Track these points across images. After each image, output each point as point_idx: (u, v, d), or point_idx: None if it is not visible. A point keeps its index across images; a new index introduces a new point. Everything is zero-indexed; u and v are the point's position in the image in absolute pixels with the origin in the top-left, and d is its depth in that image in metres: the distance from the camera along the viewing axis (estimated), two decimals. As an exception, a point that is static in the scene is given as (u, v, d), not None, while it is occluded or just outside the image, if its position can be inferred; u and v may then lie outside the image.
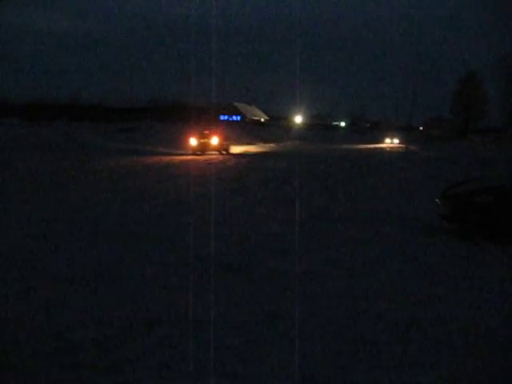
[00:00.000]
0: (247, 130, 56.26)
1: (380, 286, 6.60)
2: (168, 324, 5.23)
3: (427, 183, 17.91)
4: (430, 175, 21.39)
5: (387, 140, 74.56)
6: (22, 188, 14.84)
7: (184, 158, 29.42)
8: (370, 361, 4.54)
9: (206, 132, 34.34)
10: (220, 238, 8.75)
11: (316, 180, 18.79)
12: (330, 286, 6.57)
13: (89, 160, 25.30)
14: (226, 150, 34.45)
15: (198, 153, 32.64)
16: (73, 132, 40.28)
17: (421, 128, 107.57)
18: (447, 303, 6.03)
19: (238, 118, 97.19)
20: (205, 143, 33.37)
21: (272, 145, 46.71)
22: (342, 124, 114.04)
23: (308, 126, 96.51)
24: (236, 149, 37.73)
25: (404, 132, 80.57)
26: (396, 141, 73.60)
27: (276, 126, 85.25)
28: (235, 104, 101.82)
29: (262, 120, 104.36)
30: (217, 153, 33.48)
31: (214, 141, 33.55)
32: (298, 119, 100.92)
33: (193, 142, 33.63)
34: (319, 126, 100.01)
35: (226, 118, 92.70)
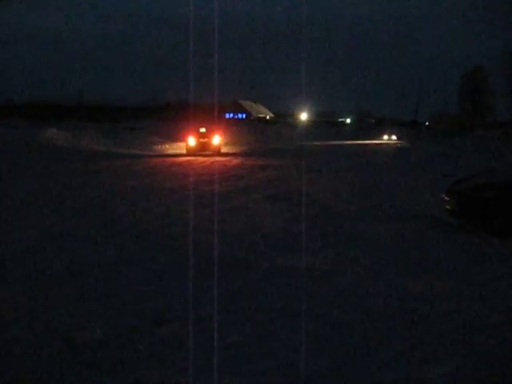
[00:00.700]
0: (252, 128, 56.17)
1: (386, 282, 6.59)
2: (174, 322, 5.23)
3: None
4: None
5: (385, 136, 71.39)
6: None
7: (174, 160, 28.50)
8: (376, 357, 4.52)
9: (206, 130, 30.68)
10: (225, 236, 8.77)
11: (319, 176, 18.75)
12: (337, 283, 6.55)
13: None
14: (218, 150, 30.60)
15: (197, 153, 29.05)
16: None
17: (427, 123, 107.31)
18: (453, 299, 6.01)
19: (243, 115, 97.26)
20: (205, 143, 30.23)
21: (276, 143, 46.66)
22: (348, 121, 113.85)
23: (313, 123, 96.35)
24: (233, 148, 35.38)
25: (408, 128, 79.81)
26: (394, 137, 71.23)
27: (281, 124, 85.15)
28: (240, 102, 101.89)
29: (268, 117, 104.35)
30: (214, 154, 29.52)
31: (216, 140, 30.50)
32: (304, 116, 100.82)
33: (191, 141, 30.30)
34: (325, 123, 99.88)
35: (231, 115, 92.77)
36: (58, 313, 5.42)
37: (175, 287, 6.27)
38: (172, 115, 55.47)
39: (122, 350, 4.60)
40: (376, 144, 52.50)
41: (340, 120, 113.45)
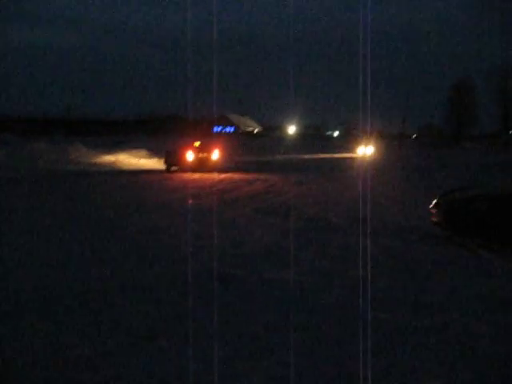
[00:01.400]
0: (239, 142, 56.30)
1: (375, 295, 6.60)
2: (164, 338, 5.20)
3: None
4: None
5: (359, 149, 66.85)
6: None
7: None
8: (367, 370, 4.52)
9: (203, 145, 29.01)
10: (212, 250, 8.75)
11: (309, 190, 18.81)
12: (326, 296, 6.56)
13: None
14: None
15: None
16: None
17: (415, 135, 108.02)
18: (442, 311, 6.03)
19: (232, 129, 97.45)
20: (204, 158, 28.08)
21: (264, 156, 46.75)
22: (336, 133, 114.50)
23: (301, 136, 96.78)
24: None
25: (392, 140, 79.94)
26: (370, 150, 67.18)
27: (269, 137, 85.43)
28: (228, 115, 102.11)
29: (256, 131, 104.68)
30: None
31: (215, 155, 28.57)
32: (292, 129, 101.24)
33: (189, 156, 27.84)
34: (312, 136, 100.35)
35: (219, 129, 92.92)
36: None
37: (161, 301, 6.24)
38: (160, 129, 55.55)
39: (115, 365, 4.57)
40: (351, 158, 52.65)
41: (328, 133, 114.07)
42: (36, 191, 17.73)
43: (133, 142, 47.92)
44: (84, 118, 68.07)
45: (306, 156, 47.90)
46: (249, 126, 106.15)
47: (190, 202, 14.89)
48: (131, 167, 31.80)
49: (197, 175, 24.80)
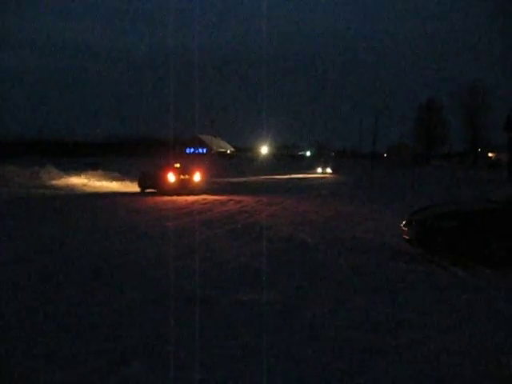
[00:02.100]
0: (212, 163, 56.38)
1: (349, 314, 6.61)
2: (136, 361, 5.12)
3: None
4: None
5: (318, 169, 71.71)
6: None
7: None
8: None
9: (183, 167, 28.39)
10: (186, 272, 8.69)
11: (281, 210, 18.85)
12: (300, 316, 6.54)
13: None
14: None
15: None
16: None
17: (385, 155, 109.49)
18: (415, 329, 6.06)
19: (204, 150, 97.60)
20: (186, 180, 27.21)
21: (236, 177, 46.81)
22: (308, 153, 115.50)
23: (274, 156, 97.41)
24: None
25: (364, 159, 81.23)
26: (328, 170, 71.61)
27: (242, 158, 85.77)
28: (200, 136, 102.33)
29: (228, 152, 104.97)
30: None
31: (197, 177, 27.71)
32: (264, 150, 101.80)
33: (171, 178, 26.77)
34: (285, 156, 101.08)
35: (191, 150, 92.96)
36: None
37: (135, 324, 6.16)
38: (133, 150, 55.38)
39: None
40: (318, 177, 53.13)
41: (300, 153, 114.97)
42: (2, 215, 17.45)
43: (105, 163, 47.74)
44: (56, 139, 67.61)
45: (278, 176, 48.12)
46: (221, 148, 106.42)
47: (167, 224, 14.80)
48: (103, 189, 31.52)
49: (169, 197, 24.70)
